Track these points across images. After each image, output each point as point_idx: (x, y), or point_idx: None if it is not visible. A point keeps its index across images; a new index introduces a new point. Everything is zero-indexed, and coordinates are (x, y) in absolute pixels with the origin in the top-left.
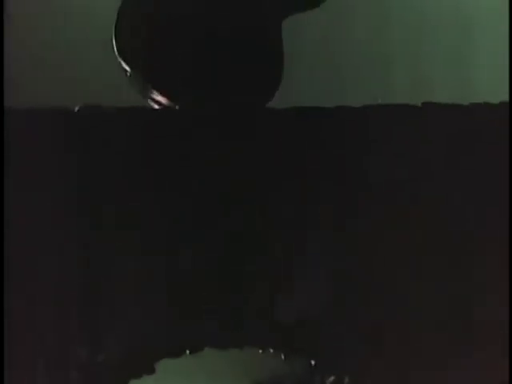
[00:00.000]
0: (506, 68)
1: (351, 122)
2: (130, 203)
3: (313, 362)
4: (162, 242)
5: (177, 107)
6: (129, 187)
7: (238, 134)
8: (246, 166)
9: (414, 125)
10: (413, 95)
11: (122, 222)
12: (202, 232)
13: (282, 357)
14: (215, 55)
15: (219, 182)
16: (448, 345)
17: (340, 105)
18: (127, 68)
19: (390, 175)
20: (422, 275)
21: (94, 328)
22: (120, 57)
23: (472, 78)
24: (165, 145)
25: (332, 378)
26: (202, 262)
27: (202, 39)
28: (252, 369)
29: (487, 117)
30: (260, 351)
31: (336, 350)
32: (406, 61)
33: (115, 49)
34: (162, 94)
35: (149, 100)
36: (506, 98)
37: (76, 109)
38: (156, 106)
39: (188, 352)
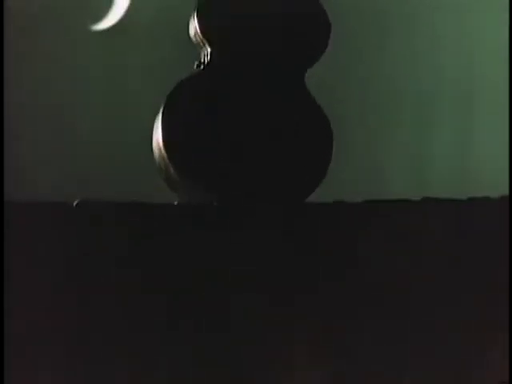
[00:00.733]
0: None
1: (350, 218)
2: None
3: None
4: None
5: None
6: (128, 288)
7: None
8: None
9: (414, 220)
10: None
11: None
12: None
13: None
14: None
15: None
16: None
17: (339, 200)
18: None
19: (390, 270)
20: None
21: None
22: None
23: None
24: (165, 241)
25: None
26: None
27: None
28: None
29: (486, 212)
30: None
31: None
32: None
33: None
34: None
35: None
36: (505, 189)
37: (74, 203)
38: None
39: None
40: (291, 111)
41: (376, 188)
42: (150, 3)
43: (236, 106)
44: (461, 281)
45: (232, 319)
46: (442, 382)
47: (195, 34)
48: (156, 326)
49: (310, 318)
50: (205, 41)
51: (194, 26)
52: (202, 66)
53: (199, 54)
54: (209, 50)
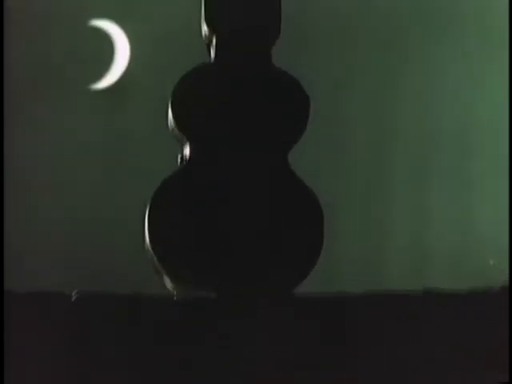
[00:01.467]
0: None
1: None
2: None
3: None
4: None
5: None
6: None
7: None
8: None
9: (415, 311)
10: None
11: None
12: None
13: None
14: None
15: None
16: None
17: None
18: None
19: (390, 361)
20: None
21: None
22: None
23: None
24: (162, 334)
25: None
26: None
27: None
28: None
29: (486, 304)
30: None
31: None
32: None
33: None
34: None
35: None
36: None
37: (73, 294)
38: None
39: None
40: (277, 197)
41: (376, 269)
42: (148, 63)
43: (221, 200)
44: (460, 370)
45: None
46: None
47: (173, 129)
48: None
49: None
50: (183, 136)
51: (170, 120)
52: (184, 161)
53: (181, 148)
54: (188, 145)
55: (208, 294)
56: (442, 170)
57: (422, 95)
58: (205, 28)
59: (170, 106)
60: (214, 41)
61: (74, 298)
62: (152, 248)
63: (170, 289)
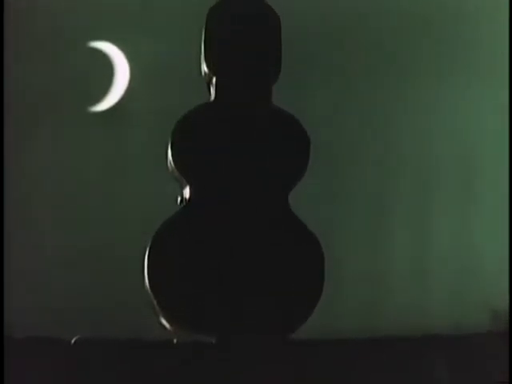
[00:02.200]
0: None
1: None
2: None
3: None
4: None
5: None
6: None
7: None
8: None
9: (414, 355)
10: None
11: None
12: None
13: None
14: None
15: None
16: None
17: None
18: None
19: None
20: None
21: None
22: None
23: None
24: (161, 379)
25: None
26: None
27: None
28: None
29: (486, 346)
30: None
31: None
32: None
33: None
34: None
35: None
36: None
37: (73, 341)
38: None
39: None
40: (278, 239)
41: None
42: (148, 86)
43: (221, 243)
44: None
45: None
46: None
47: (172, 171)
48: None
49: None
50: (182, 178)
51: (169, 161)
52: (183, 202)
53: (181, 189)
54: (188, 187)
55: (207, 338)
56: (444, 195)
57: (423, 131)
58: (204, 68)
59: (169, 148)
60: (214, 80)
61: (73, 343)
62: (151, 291)
63: (169, 330)
